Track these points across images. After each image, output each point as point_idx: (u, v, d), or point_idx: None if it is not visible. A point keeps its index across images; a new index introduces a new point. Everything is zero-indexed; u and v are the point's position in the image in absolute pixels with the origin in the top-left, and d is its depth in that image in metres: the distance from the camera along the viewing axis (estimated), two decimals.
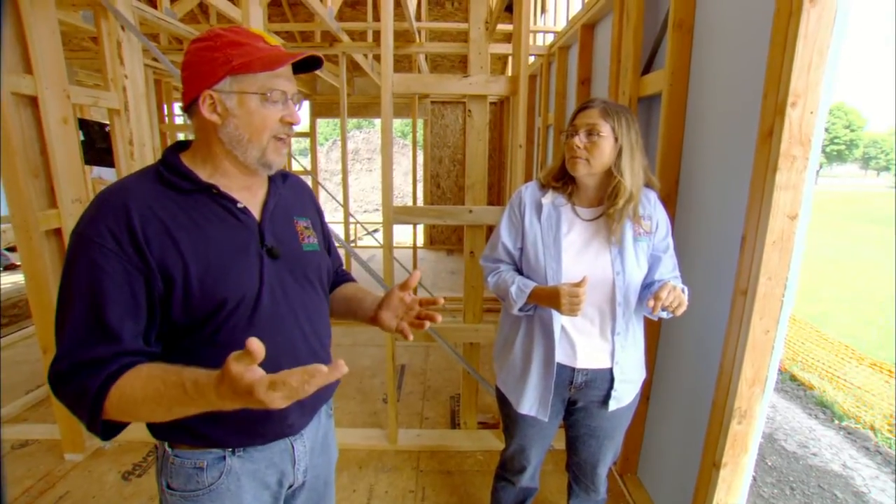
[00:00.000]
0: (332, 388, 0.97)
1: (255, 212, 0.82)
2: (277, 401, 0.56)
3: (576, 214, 1.24)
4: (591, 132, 1.14)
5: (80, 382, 0.65)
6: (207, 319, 0.74)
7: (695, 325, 1.54)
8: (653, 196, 1.25)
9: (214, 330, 0.74)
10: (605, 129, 1.14)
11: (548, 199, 1.25)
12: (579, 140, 1.15)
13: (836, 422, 3.05)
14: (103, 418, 0.66)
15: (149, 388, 0.65)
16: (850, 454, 2.70)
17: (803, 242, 1.13)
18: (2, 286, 4.88)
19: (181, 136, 5.25)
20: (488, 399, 2.65)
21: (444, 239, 7.86)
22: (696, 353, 1.54)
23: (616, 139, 1.15)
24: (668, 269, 1.26)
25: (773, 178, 1.09)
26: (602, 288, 1.19)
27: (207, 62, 0.73)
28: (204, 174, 0.78)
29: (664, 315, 1.14)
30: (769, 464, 2.56)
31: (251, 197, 0.83)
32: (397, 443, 2.29)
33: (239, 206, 0.79)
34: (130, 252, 0.68)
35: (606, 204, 1.19)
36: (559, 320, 1.22)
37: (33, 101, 1.93)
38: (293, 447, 0.88)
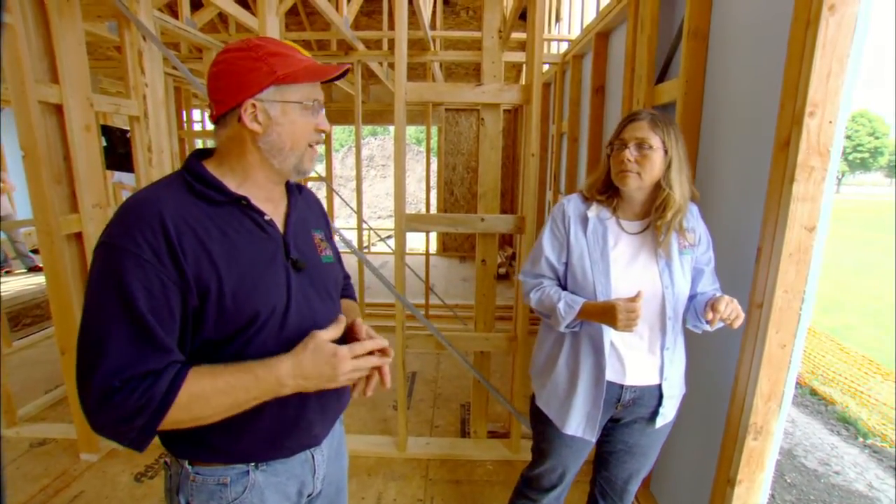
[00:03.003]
0: (349, 397, 0.97)
1: (279, 224, 0.83)
2: (349, 367, 0.73)
3: (621, 228, 1.21)
4: (642, 145, 1.12)
5: (142, 393, 0.64)
6: (239, 333, 0.73)
7: (710, 338, 1.50)
8: (695, 210, 1.24)
9: (245, 344, 0.74)
10: (656, 142, 1.11)
11: (593, 212, 1.21)
12: (630, 154, 1.12)
13: (861, 439, 2.95)
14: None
15: (218, 381, 0.68)
16: (876, 474, 2.60)
17: (821, 255, 1.10)
18: (28, 288, 5.02)
19: (199, 142, 5.36)
20: (499, 408, 2.62)
21: (456, 246, 7.86)
22: (711, 367, 1.50)
23: (666, 152, 1.12)
24: (709, 283, 1.24)
25: (790, 190, 1.07)
26: (652, 302, 1.16)
27: (250, 71, 0.73)
28: (232, 184, 0.78)
29: (707, 327, 1.13)
30: (788, 481, 2.49)
31: (274, 209, 0.83)
32: (407, 450, 2.29)
33: (266, 218, 0.79)
34: (168, 263, 0.67)
35: (654, 216, 1.17)
36: (609, 336, 1.18)
37: (58, 110, 1.99)
38: (313, 457, 0.88)
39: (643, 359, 1.19)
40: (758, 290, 1.19)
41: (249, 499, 0.80)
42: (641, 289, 1.09)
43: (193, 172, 0.76)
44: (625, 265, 1.18)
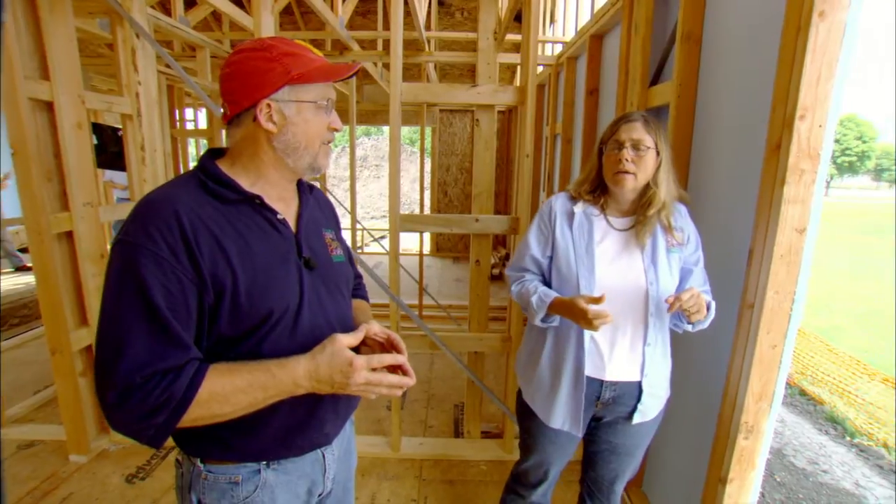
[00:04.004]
0: (359, 398, 0.97)
1: (291, 223, 0.83)
2: (362, 380, 0.71)
3: (609, 224, 1.23)
4: (638, 146, 1.14)
5: (163, 390, 0.64)
6: (253, 331, 0.74)
7: (702, 339, 1.52)
8: (684, 210, 1.26)
9: (258, 342, 0.74)
10: (650, 143, 1.14)
11: (579, 208, 1.24)
12: (628, 154, 1.14)
13: (848, 438, 3.00)
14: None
15: (236, 379, 0.68)
16: (863, 472, 2.65)
17: (811, 256, 1.12)
18: (15, 287, 4.95)
19: (192, 141, 5.32)
20: (492, 408, 2.63)
21: (450, 247, 7.86)
22: (703, 367, 1.52)
23: (658, 152, 1.15)
24: (699, 283, 1.25)
25: (780, 192, 1.08)
26: (635, 298, 1.17)
27: (265, 71, 0.73)
28: (246, 183, 0.78)
29: (689, 327, 1.14)
30: (778, 480, 2.52)
31: (286, 208, 0.84)
32: (400, 451, 2.28)
33: (279, 217, 0.80)
34: (185, 262, 0.67)
35: (639, 213, 1.19)
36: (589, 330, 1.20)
37: (49, 107, 1.97)
38: (324, 457, 0.89)
39: (624, 354, 1.21)
40: (749, 291, 1.20)
41: (260, 497, 0.80)
42: (625, 284, 1.11)
43: (207, 171, 0.76)
44: (610, 260, 1.20)
